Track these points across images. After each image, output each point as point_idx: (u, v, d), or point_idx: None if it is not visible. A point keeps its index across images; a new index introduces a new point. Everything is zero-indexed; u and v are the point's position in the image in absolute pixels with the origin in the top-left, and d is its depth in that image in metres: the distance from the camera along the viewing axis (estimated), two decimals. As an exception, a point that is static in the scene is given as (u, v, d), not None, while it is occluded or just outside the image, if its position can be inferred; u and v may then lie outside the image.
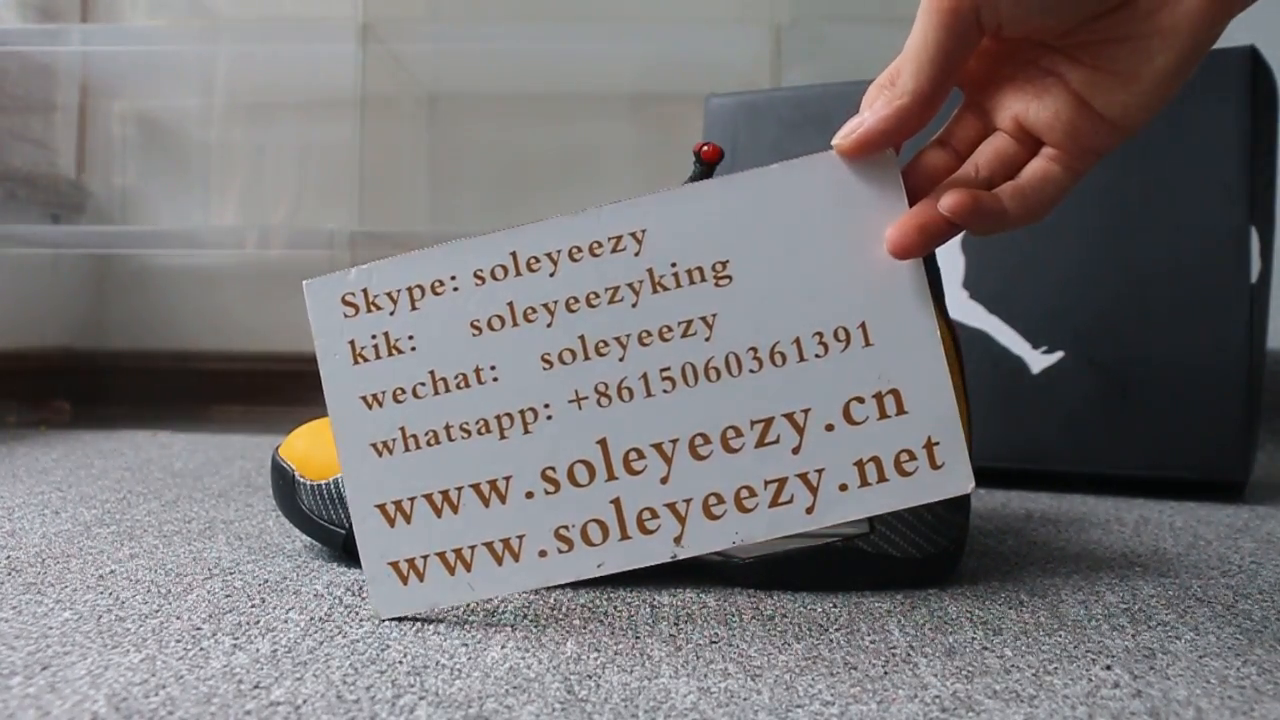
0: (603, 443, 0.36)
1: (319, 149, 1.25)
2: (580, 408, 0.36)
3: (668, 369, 0.36)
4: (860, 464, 0.36)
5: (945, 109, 0.35)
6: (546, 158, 1.25)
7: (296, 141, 1.26)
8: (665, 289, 0.36)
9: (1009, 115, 0.35)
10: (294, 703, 0.29)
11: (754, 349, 0.36)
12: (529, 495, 0.37)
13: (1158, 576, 0.46)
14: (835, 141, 0.36)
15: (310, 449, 0.47)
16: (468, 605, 0.39)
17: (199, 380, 1.23)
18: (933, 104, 0.34)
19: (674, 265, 0.36)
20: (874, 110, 0.34)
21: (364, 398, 0.37)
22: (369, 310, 0.37)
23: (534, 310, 0.36)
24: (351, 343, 0.37)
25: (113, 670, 0.32)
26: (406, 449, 0.37)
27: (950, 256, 0.73)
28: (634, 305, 0.36)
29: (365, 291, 0.37)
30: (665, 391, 0.36)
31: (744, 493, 0.36)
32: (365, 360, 0.37)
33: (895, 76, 0.34)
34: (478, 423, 0.37)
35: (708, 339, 0.36)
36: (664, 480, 0.36)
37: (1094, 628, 0.38)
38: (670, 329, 0.36)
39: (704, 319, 0.36)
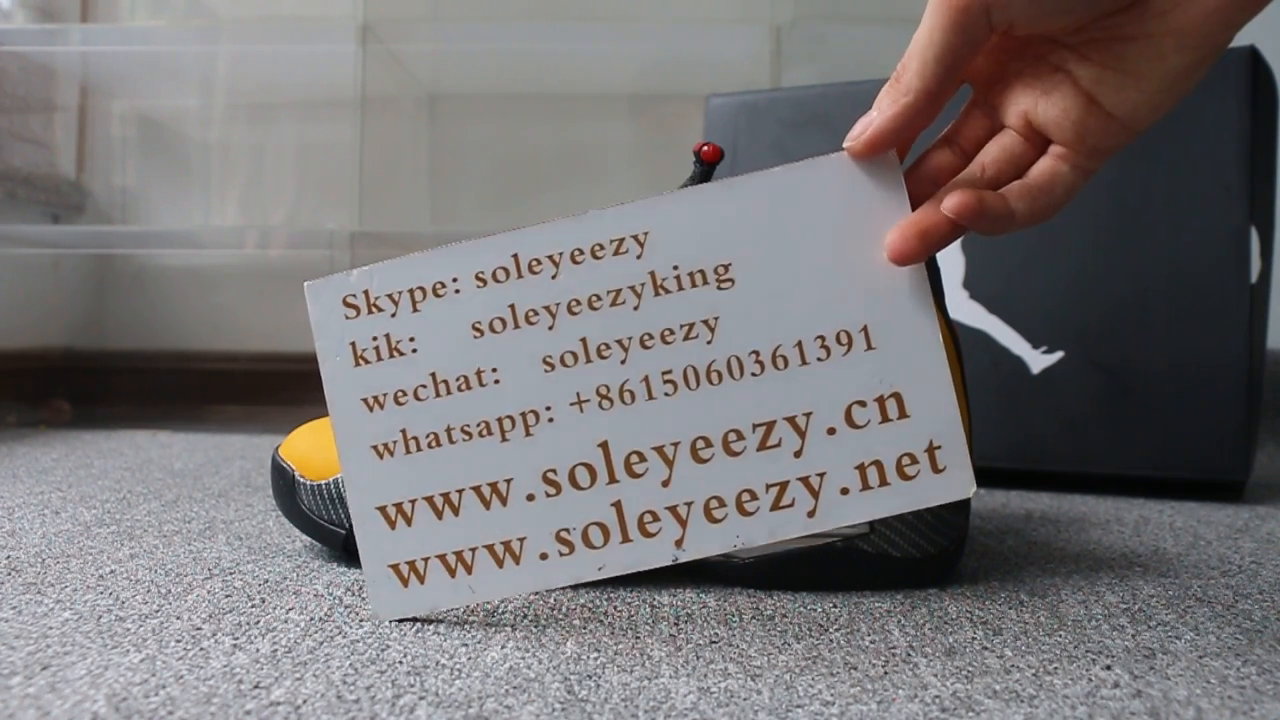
0: (604, 445, 0.36)
1: (319, 149, 1.25)
2: (581, 410, 0.36)
3: (669, 372, 0.36)
4: (862, 468, 0.36)
5: (954, 104, 0.35)
6: (546, 158, 1.25)
7: (296, 141, 1.26)
8: (667, 292, 0.36)
9: (1017, 112, 0.35)
10: (294, 703, 0.29)
11: (756, 352, 0.36)
12: (530, 498, 0.37)
13: (1158, 576, 0.46)
14: (846, 144, 0.35)
15: (310, 449, 0.47)
16: (468, 606, 0.39)
17: (199, 380, 1.23)
18: (938, 101, 0.34)
19: (676, 268, 0.36)
20: (881, 110, 0.34)
21: (365, 400, 0.37)
22: (370, 312, 0.37)
23: (535, 312, 0.36)
24: (352, 344, 0.37)
25: (113, 670, 0.32)
26: (407, 451, 0.37)
27: (950, 256, 0.73)
28: (636, 308, 0.36)
29: (366, 293, 0.37)
30: (667, 394, 0.36)
31: (745, 496, 0.36)
32: (366, 362, 0.37)
33: (902, 74, 0.34)
34: (479, 425, 0.37)
35: (709, 342, 0.36)
36: (665, 483, 0.36)
37: (1094, 628, 0.38)
38: (672, 332, 0.36)
39: (706, 322, 0.36)
